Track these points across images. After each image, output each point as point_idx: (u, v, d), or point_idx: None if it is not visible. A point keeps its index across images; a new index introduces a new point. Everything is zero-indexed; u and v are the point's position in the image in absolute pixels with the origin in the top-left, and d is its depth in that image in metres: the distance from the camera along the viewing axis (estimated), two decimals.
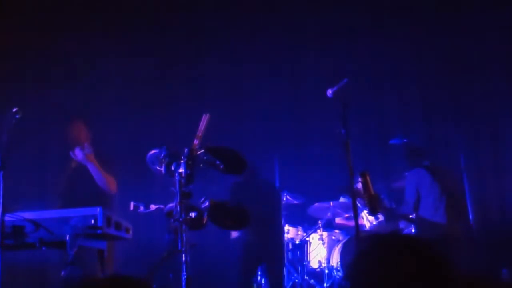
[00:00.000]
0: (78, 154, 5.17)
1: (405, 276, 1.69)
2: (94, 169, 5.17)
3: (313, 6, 8.30)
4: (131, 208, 4.41)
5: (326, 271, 7.26)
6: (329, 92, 4.55)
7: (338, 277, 7.16)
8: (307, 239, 7.57)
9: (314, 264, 7.45)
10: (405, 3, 8.14)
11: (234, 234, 6.67)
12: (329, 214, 7.71)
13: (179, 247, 3.56)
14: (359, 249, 1.87)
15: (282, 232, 6.79)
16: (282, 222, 7.02)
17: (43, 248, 3.99)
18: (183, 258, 3.55)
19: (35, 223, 3.85)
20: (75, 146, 5.24)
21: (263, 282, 7.17)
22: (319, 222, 7.56)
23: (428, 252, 1.76)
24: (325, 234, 7.49)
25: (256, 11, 8.36)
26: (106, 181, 5.22)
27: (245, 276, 6.32)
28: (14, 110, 4.18)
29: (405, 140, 7.42)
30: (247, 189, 6.32)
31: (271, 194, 6.59)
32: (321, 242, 7.45)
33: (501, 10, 7.76)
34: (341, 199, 7.67)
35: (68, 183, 5.44)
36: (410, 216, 5.91)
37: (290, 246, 7.58)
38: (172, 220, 3.77)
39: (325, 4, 8.26)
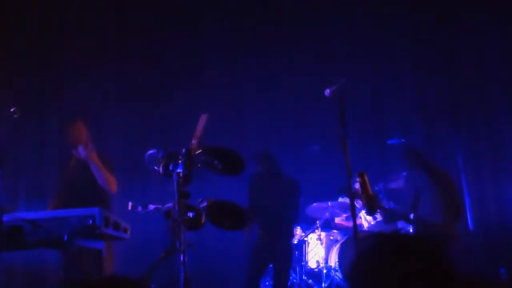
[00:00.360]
0: (81, 152, 5.13)
1: (405, 275, 1.70)
2: (96, 167, 5.13)
3: (313, 7, 8.31)
4: (129, 208, 4.41)
5: (325, 271, 7.25)
6: (327, 92, 4.55)
7: (336, 277, 7.16)
8: (305, 239, 7.57)
9: (312, 264, 7.45)
10: (404, 4, 8.16)
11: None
12: (327, 214, 7.71)
13: (177, 247, 3.55)
14: (359, 248, 1.88)
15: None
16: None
17: (41, 248, 3.98)
18: (182, 258, 3.55)
19: (33, 223, 3.84)
20: (75, 146, 5.22)
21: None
22: (317, 222, 7.56)
23: (428, 251, 1.76)
24: (323, 234, 7.49)
25: (255, 11, 8.37)
26: (108, 180, 5.18)
27: (251, 276, 6.23)
28: (12, 110, 4.17)
29: (403, 140, 7.43)
30: (269, 185, 6.30)
31: (294, 196, 6.47)
32: (319, 242, 7.45)
33: (499, 14, 7.79)
34: (340, 199, 7.67)
35: (67, 183, 5.41)
36: (408, 216, 5.91)
37: None
38: (170, 220, 3.77)
39: (324, 4, 8.26)
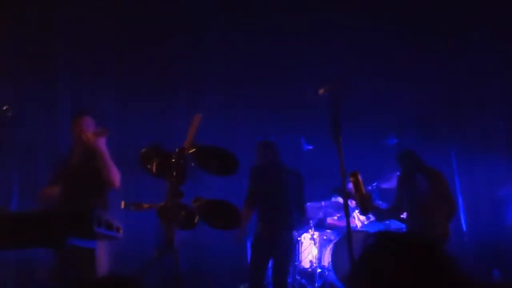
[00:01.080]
0: (92, 138, 4.94)
1: (400, 270, 1.70)
2: (105, 156, 4.88)
3: (310, 6, 8.31)
4: (122, 206, 4.39)
5: (319, 270, 7.26)
6: (322, 91, 4.53)
7: (329, 277, 7.16)
8: (299, 238, 7.57)
9: (305, 264, 7.44)
10: (401, 5, 8.18)
11: None
12: (321, 214, 7.71)
13: (170, 246, 3.55)
14: (364, 248, 1.88)
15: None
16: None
17: (34, 247, 3.95)
18: (174, 258, 3.55)
19: (27, 221, 3.82)
20: (80, 139, 5.04)
21: None
22: (311, 222, 7.56)
23: (433, 251, 1.77)
24: (316, 234, 7.49)
25: (252, 12, 8.38)
26: (113, 172, 4.94)
27: (255, 273, 6.10)
28: (5, 108, 4.14)
29: (397, 140, 7.44)
30: (270, 176, 6.13)
31: (297, 187, 6.25)
32: (313, 242, 7.45)
33: (496, 18, 7.85)
34: (333, 199, 7.67)
35: (67, 177, 5.21)
36: (401, 216, 5.93)
37: None
38: (163, 219, 3.77)
39: (322, 3, 8.27)
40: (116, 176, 4.94)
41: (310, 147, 7.91)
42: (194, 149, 3.80)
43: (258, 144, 6.37)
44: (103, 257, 4.60)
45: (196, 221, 3.92)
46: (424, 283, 1.69)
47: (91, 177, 4.95)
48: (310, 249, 7.47)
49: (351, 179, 4.52)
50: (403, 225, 6.19)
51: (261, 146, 6.35)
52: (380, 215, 6.20)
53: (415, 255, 1.75)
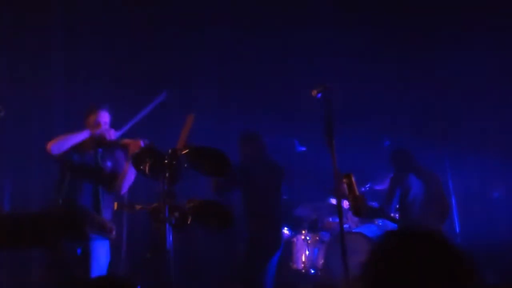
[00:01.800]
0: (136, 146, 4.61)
1: (417, 272, 1.71)
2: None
3: (305, 9, 8.33)
4: (115, 208, 4.38)
5: (312, 271, 7.27)
6: (315, 92, 4.53)
7: (322, 278, 7.17)
8: (292, 240, 7.57)
9: (298, 265, 7.45)
10: (394, 7, 8.21)
11: None
12: (314, 215, 7.71)
13: (163, 247, 3.55)
14: (374, 246, 1.89)
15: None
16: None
17: (28, 248, 3.95)
18: (167, 259, 3.54)
19: (21, 222, 3.82)
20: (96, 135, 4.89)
21: None
22: (304, 223, 7.56)
23: (445, 247, 1.78)
24: (310, 235, 7.49)
25: (246, 12, 8.38)
26: (130, 180, 4.76)
27: (253, 274, 5.93)
28: None
29: (390, 142, 7.46)
30: (264, 173, 5.75)
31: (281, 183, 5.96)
32: (306, 243, 7.45)
33: (488, 22, 7.89)
34: (327, 201, 7.68)
35: (77, 176, 4.97)
36: (391, 215, 5.94)
37: None
38: (156, 220, 3.76)
39: (318, 7, 8.29)
40: (128, 184, 4.79)
41: (304, 149, 7.91)
42: (187, 150, 3.79)
43: (246, 136, 6.00)
44: (102, 257, 4.58)
45: (189, 222, 3.91)
46: (431, 281, 1.70)
47: (104, 180, 4.77)
48: (303, 250, 7.47)
49: (345, 181, 4.52)
50: (396, 226, 6.20)
51: (248, 140, 5.97)
52: (370, 213, 6.20)
53: (424, 252, 1.75)
